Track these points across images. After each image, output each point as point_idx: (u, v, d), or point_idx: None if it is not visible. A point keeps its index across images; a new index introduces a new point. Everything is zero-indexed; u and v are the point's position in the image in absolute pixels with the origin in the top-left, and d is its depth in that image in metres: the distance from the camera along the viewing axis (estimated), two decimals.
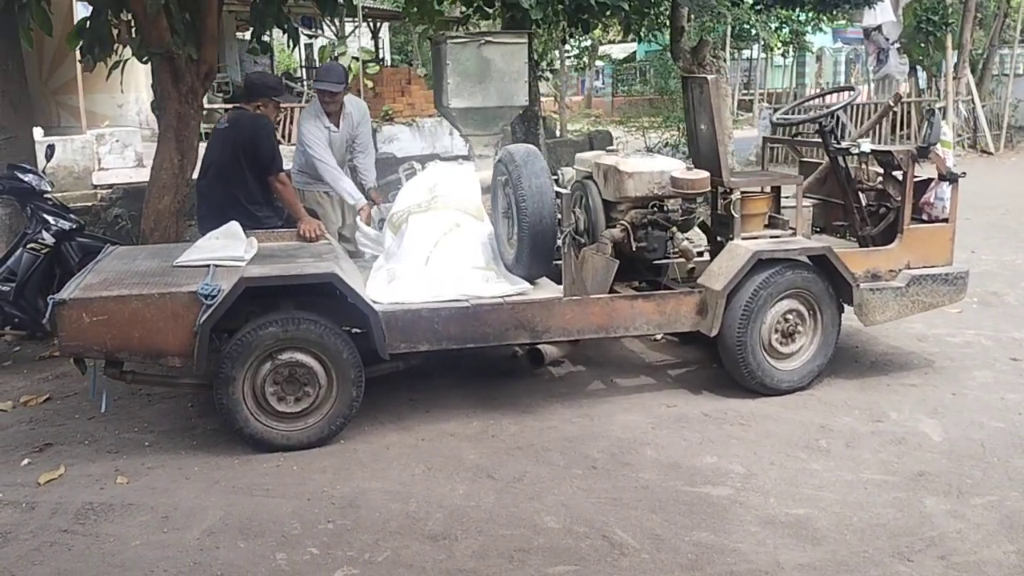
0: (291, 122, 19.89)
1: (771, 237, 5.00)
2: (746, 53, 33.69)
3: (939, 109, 5.31)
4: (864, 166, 5.33)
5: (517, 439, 4.53)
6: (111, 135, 14.76)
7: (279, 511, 3.83)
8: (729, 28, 28.90)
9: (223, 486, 4.09)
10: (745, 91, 32.81)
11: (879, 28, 15.87)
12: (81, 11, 10.03)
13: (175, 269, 4.73)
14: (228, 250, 4.85)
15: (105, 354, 4.30)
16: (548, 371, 5.51)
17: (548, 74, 24.08)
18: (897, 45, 16.50)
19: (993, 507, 3.68)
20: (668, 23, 11.27)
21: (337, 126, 6.09)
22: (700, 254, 5.24)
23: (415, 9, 9.37)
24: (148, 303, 4.25)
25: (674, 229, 4.90)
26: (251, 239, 5.07)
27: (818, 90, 22.90)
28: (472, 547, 3.50)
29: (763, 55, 32.68)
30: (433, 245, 5.07)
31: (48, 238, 5.94)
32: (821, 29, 30.63)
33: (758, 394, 4.94)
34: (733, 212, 4.97)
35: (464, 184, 5.42)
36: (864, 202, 5.39)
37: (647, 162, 4.94)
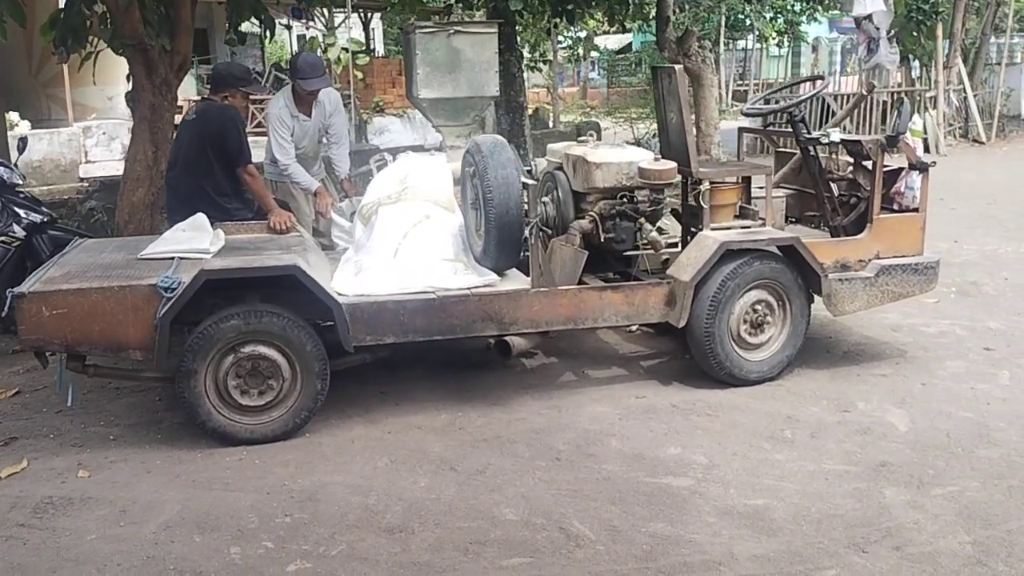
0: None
1: (740, 228, 4.97)
2: (741, 43, 33.63)
3: (907, 98, 5.24)
4: (834, 156, 5.30)
5: (483, 431, 4.51)
6: (98, 127, 14.73)
7: (237, 505, 3.81)
8: (723, 18, 28.91)
9: (183, 480, 4.08)
10: (741, 81, 32.77)
11: (870, 17, 15.76)
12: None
13: (139, 262, 4.71)
14: (193, 242, 4.83)
15: (65, 347, 4.27)
16: (520, 363, 5.49)
17: (541, 65, 24.06)
18: (890, 34, 16.43)
19: (953, 498, 3.67)
20: (655, 13, 11.22)
21: (309, 115, 6.06)
22: (674, 245, 5.20)
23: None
24: (108, 296, 4.23)
25: (642, 220, 4.86)
26: (218, 231, 5.05)
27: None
28: (428, 540, 3.49)
29: (758, 45, 32.57)
30: (402, 237, 5.05)
31: (19, 231, 5.91)
32: (816, 19, 30.58)
33: (728, 385, 4.93)
34: (702, 203, 4.94)
35: (435, 175, 5.40)
36: (836, 192, 5.37)
37: (616, 152, 4.91)
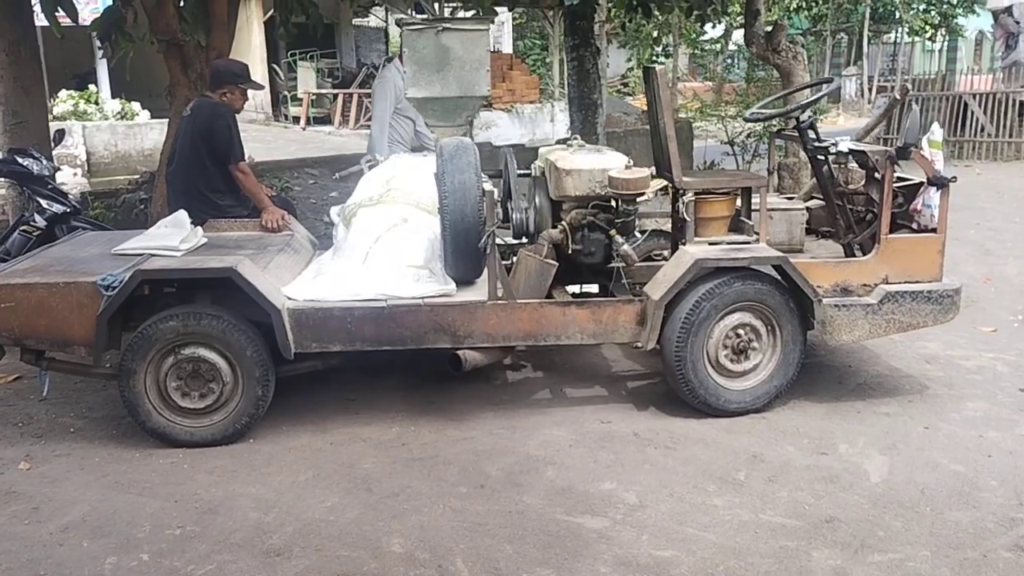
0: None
1: (727, 244, 4.54)
2: (890, 36, 31.76)
3: (915, 104, 4.60)
4: (845, 167, 4.76)
5: (426, 449, 4.30)
6: None
7: (141, 511, 3.75)
8: (868, 10, 27.34)
9: (108, 480, 4.06)
10: (891, 77, 30.92)
11: (1009, 10, 14.50)
12: None
13: (112, 258, 4.73)
14: (164, 239, 4.81)
15: (14, 340, 4.34)
16: (503, 376, 5.24)
17: (663, 60, 23.44)
18: None
19: (888, 568, 3.19)
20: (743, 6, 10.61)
21: None
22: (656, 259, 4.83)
23: None
24: (53, 292, 4.26)
25: (613, 232, 4.52)
26: (196, 229, 5.01)
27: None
28: (299, 567, 3.31)
29: (908, 39, 30.61)
30: (374, 240, 4.88)
31: (40, 221, 6.09)
32: (974, 11, 28.43)
33: (706, 415, 4.52)
34: (685, 215, 4.54)
35: (422, 177, 5.19)
36: (851, 207, 4.84)
37: (589, 158, 4.57)
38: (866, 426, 4.40)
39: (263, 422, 4.53)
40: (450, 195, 4.41)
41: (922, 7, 28.50)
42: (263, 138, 18.74)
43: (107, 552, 3.45)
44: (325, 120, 20.06)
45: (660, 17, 14.29)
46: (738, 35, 33.62)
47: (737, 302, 4.42)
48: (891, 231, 4.70)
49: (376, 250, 4.84)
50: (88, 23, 7.80)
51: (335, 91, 20.05)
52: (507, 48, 26.37)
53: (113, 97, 16.73)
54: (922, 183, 4.59)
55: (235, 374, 4.34)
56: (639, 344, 4.50)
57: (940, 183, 4.41)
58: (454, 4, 9.85)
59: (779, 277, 4.48)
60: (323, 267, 4.84)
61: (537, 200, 4.82)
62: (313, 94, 20.11)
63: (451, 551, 3.39)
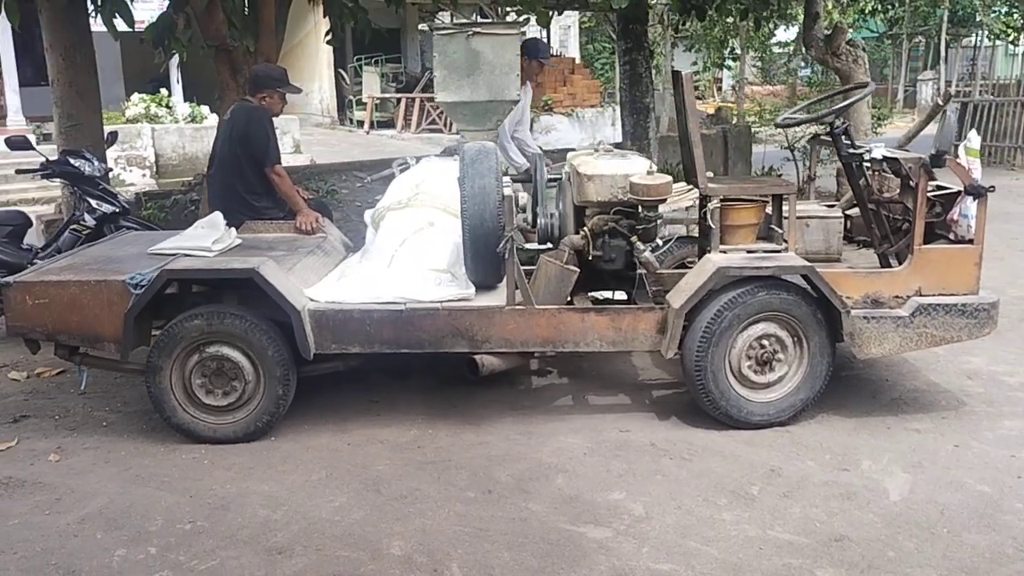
0: None
1: (751, 252, 4.45)
2: (970, 40, 30.79)
3: (954, 109, 4.44)
4: (879, 174, 4.62)
5: (440, 452, 4.31)
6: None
7: (157, 505, 3.84)
8: (946, 13, 26.56)
9: (130, 474, 4.16)
10: (970, 81, 29.96)
11: None
12: None
13: (149, 257, 4.85)
14: (198, 240, 4.92)
15: (47, 336, 4.49)
16: (527, 381, 5.23)
17: (730, 63, 23.11)
18: None
19: None
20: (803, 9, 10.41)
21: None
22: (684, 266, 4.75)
23: None
24: (85, 289, 4.39)
25: (634, 238, 4.46)
26: (230, 230, 5.12)
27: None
28: (299, 566, 3.35)
29: (988, 43, 29.62)
30: (399, 244, 4.92)
31: (89, 220, 6.28)
32: None
33: (728, 426, 4.43)
34: (711, 222, 4.46)
35: (450, 181, 5.20)
36: (890, 215, 4.70)
37: (611, 164, 4.52)
38: (894, 442, 4.26)
39: (286, 421, 4.60)
40: (469, 200, 4.41)
41: (1004, 10, 27.54)
42: (327, 141, 19.08)
43: (118, 544, 3.54)
44: (389, 124, 20.30)
45: (718, 19, 14.05)
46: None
47: (761, 312, 4.32)
48: (929, 241, 4.56)
49: (401, 253, 4.88)
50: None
51: (398, 95, 20.27)
52: (574, 52, 26.35)
53: (186, 101, 17.20)
54: (958, 192, 4.43)
55: (257, 373, 4.41)
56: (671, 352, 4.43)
57: (977, 193, 4.25)
58: (515, 8, 9.83)
59: (807, 287, 4.37)
60: (348, 269, 4.89)
61: (561, 205, 4.79)
62: (377, 98, 20.37)
63: (448, 556, 3.38)
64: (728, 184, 4.65)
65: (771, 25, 10.96)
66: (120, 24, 6.88)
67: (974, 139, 4.33)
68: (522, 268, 4.44)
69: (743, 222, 4.51)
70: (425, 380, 5.21)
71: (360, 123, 20.59)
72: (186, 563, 3.39)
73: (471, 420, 4.66)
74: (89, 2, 6.75)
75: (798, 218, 4.92)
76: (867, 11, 26.23)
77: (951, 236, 4.49)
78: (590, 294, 4.96)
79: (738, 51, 21.48)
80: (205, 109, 16.75)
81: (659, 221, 4.51)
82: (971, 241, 4.36)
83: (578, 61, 21.58)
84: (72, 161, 6.38)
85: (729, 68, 23.18)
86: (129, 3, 6.94)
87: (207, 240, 4.91)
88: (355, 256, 5.25)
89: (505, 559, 3.35)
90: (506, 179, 4.60)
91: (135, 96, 16.29)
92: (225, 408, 4.44)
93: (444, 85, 5.15)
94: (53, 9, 6.66)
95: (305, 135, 19.40)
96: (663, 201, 4.38)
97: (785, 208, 4.58)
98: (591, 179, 4.48)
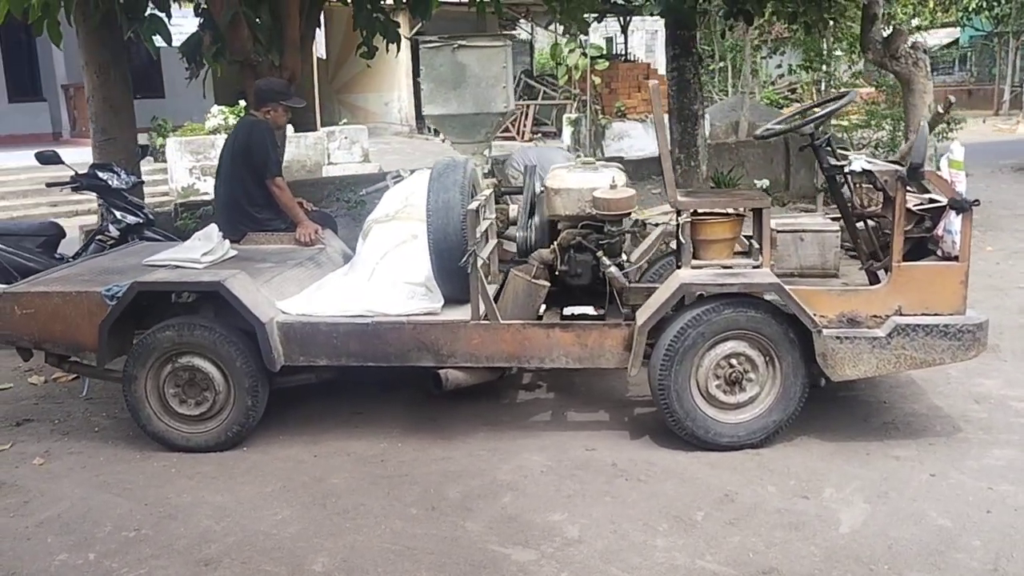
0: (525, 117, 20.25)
1: (726, 267, 4.29)
2: None
3: (925, 121, 4.11)
4: (861, 187, 4.40)
5: (401, 467, 4.30)
6: (340, 132, 15.91)
7: (112, 512, 3.95)
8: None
9: (99, 480, 4.30)
10: None
11: None
12: None
13: (144, 268, 5.01)
14: (190, 252, 5.06)
15: (34, 344, 4.68)
16: (513, 396, 5.18)
17: (817, 65, 22.33)
18: None
19: None
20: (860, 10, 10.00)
21: None
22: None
23: (555, 3, 9.05)
24: (67, 300, 4.57)
25: (600, 253, 4.36)
26: (224, 242, 5.23)
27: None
28: None
29: None
30: (381, 257, 4.96)
31: (114, 231, 6.52)
32: None
33: (697, 448, 4.29)
34: (681, 237, 4.33)
35: None
36: (880, 229, 4.47)
37: (579, 177, 4.44)
38: (867, 470, 4.05)
39: (262, 431, 4.67)
40: (433, 213, 4.40)
41: None
42: (403, 150, 19.36)
43: (63, 548, 3.66)
44: None
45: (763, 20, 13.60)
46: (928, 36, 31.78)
47: (728, 330, 4.17)
48: (920, 257, 4.33)
49: (381, 266, 4.91)
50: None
51: None
52: (660, 56, 26.02)
53: None
54: (944, 207, 4.18)
55: (228, 384, 4.50)
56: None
57: (960, 207, 3.99)
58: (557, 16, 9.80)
59: (779, 305, 4.19)
60: (329, 281, 4.94)
61: (537, 219, 4.73)
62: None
63: (366, 574, 3.37)
64: (700, 198, 4.50)
65: (804, 31, 10.49)
66: (157, 40, 7.18)
67: (957, 150, 4.07)
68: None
69: (717, 237, 4.35)
70: (413, 393, 5.20)
71: (436, 131, 20.82)
72: (118, 570, 3.48)
73: (444, 434, 4.64)
74: (125, 21, 7.02)
75: (792, 232, 4.75)
76: (971, 8, 25.10)
77: (939, 253, 4.24)
78: (576, 310, 4.89)
79: (837, 52, 20.71)
80: None
81: (627, 235, 4.39)
82: (956, 258, 4.10)
83: (653, 66, 21.22)
84: (100, 174, 6.63)
85: (817, 70, 22.38)
86: (167, 21, 7.22)
87: (197, 252, 5.04)
88: (343, 268, 5.30)
89: None
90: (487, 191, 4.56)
91: (214, 108, 16.84)
92: (197, 418, 4.54)
93: (431, 98, 5.16)
94: (88, 28, 6.95)
95: (382, 144, 19.76)
96: (627, 215, 4.28)
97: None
98: (558, 193, 4.41)
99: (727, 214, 4.37)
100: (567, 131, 17.91)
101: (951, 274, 4.10)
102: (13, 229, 6.79)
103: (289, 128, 16.97)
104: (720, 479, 4.01)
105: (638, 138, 18.57)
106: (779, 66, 22.33)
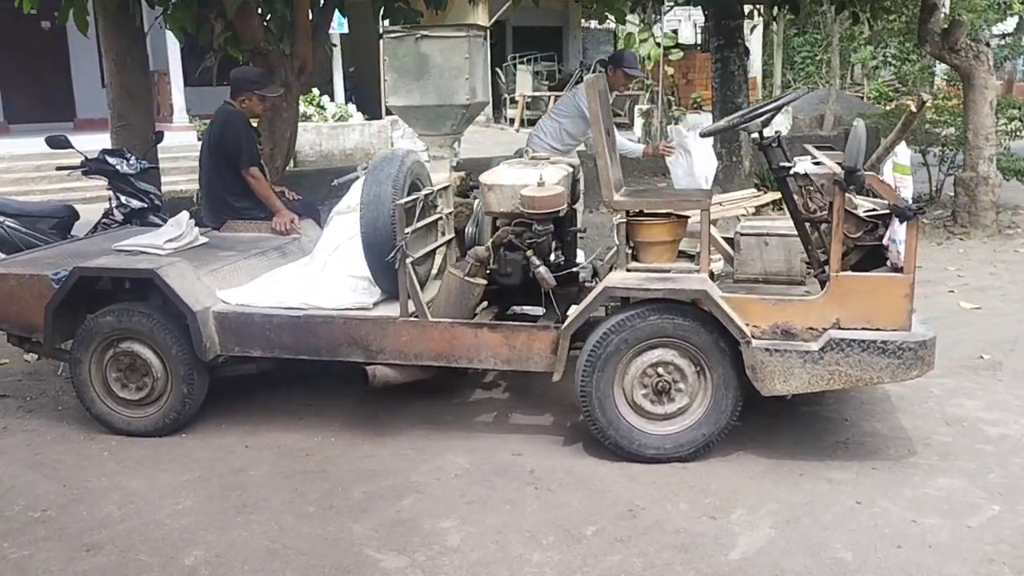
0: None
1: (660, 272, 4.08)
2: None
3: (858, 123, 3.71)
4: (807, 191, 4.10)
5: (322, 463, 4.26)
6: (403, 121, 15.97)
7: (30, 492, 4.04)
8: None
9: (35, 459, 4.39)
10: None
11: None
12: None
13: (112, 252, 5.10)
14: (154, 238, 5.13)
15: None
16: (468, 395, 5.07)
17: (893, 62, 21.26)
18: None
19: None
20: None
21: None
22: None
23: None
24: (21, 283, 4.70)
25: (529, 252, 4.21)
26: (192, 229, 5.28)
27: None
28: (97, 563, 3.41)
29: None
30: (334, 249, 4.92)
31: (118, 215, 6.70)
32: None
33: (626, 458, 4.11)
34: (616, 238, 4.15)
35: None
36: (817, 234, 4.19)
37: (513, 173, 4.29)
38: (792, 492, 3.79)
39: (208, 418, 4.72)
40: (364, 207, 4.33)
41: None
42: (476, 139, 19.29)
43: None
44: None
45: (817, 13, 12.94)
46: None
47: (654, 337, 3.97)
48: (875, 268, 4.03)
49: (333, 258, 4.87)
50: None
51: (548, 93, 20.26)
52: (755, 47, 25.21)
53: (347, 101, 18.00)
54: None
55: (166, 370, 4.54)
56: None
57: (903, 215, 3.68)
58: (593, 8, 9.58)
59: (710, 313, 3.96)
60: (283, 272, 4.93)
61: (480, 216, 4.61)
62: (528, 96, 20.45)
63: (231, 572, 3.34)
64: (637, 198, 4.29)
65: (852, 22, 9.90)
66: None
67: (902, 153, 3.75)
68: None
69: (655, 239, 4.14)
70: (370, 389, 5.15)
71: (512, 120, 20.77)
72: (6, 551, 3.54)
73: (380, 431, 4.58)
74: (138, 10, 7.18)
75: (756, 236, 4.50)
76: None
77: (888, 263, 3.93)
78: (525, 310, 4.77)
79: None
80: (352, 108, 17.47)
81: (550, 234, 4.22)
82: (901, 269, 3.79)
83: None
84: (109, 159, 6.80)
85: (913, 62, 21.28)
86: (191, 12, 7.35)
87: (162, 239, 5.10)
88: (304, 259, 5.29)
89: None
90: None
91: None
92: (137, 402, 4.60)
93: (394, 89, 5.07)
94: (106, 16, 7.14)
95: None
96: (555, 214, 4.12)
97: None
98: (491, 189, 4.27)
99: (666, 215, 4.16)
100: (638, 122, 17.59)
101: (894, 286, 3.78)
102: (28, 210, 7.02)
103: (359, 116, 17.24)
104: (632, 493, 3.83)
105: None
106: (873, 57, 21.33)
